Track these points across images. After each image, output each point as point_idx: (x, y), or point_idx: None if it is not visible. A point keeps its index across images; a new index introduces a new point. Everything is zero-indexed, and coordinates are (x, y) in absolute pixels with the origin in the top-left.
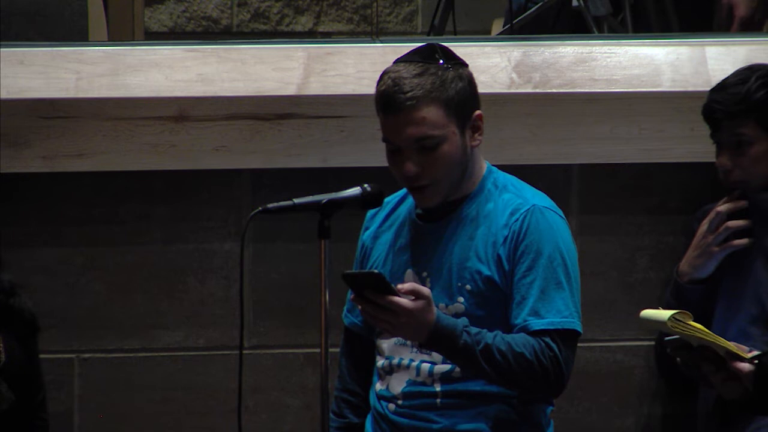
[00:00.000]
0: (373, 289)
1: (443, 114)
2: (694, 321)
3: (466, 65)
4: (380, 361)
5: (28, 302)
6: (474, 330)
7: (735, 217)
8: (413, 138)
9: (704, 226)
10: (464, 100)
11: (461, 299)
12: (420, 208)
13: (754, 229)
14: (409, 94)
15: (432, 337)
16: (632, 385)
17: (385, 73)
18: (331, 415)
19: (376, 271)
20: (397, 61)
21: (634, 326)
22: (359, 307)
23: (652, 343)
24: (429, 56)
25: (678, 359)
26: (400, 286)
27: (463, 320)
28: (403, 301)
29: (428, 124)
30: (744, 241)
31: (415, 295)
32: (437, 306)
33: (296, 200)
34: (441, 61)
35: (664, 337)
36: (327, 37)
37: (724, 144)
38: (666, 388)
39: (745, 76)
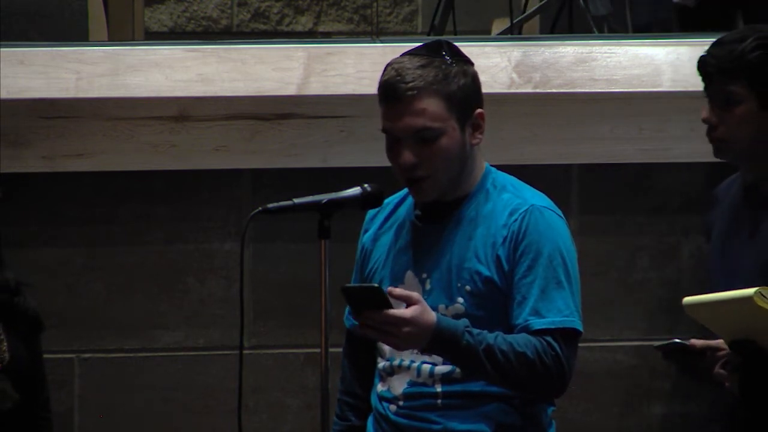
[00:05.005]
0: (370, 303)
1: (444, 107)
2: None
3: (472, 63)
4: (381, 363)
5: (32, 301)
6: (475, 331)
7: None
8: (412, 128)
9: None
10: (466, 96)
11: (461, 300)
12: (417, 201)
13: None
14: (411, 84)
15: (434, 341)
16: (632, 385)
17: (389, 64)
18: (335, 418)
19: (375, 285)
20: (403, 54)
21: (634, 326)
22: (360, 326)
23: (653, 343)
24: (435, 51)
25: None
26: (390, 289)
27: (464, 321)
28: (401, 311)
29: (428, 116)
30: None
31: (407, 301)
32: (437, 307)
33: (296, 200)
34: (446, 57)
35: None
36: (327, 37)
37: (712, 99)
38: (666, 389)
39: (744, 34)
